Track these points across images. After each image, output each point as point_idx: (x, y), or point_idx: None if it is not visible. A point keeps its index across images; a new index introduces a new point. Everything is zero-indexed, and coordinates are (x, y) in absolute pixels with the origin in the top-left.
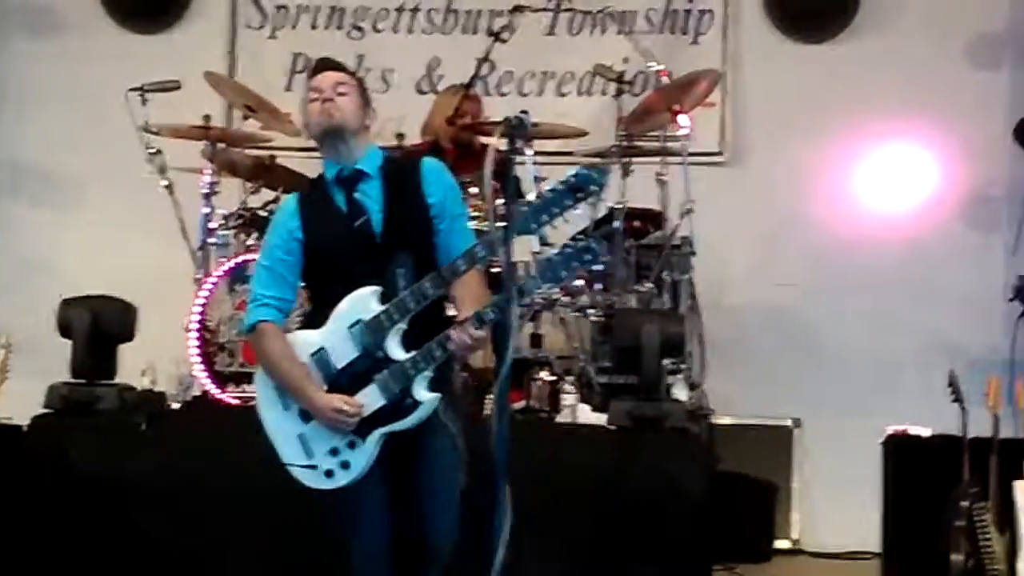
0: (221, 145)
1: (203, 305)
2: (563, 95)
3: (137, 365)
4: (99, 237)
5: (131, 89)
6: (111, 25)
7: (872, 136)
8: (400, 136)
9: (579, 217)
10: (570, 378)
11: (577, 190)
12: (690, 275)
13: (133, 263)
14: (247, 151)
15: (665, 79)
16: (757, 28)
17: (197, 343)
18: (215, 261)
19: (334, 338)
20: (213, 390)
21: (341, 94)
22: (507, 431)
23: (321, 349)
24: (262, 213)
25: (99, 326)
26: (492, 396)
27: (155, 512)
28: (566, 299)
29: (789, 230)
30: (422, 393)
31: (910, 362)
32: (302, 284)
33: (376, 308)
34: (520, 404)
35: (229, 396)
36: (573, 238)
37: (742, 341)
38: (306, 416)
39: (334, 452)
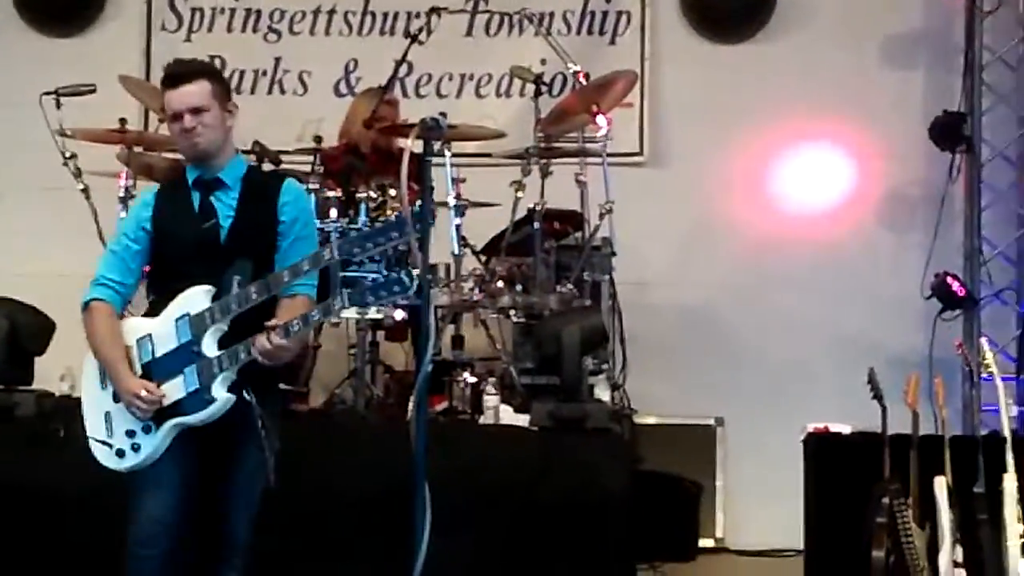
0: (137, 149)
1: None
2: (482, 97)
3: (55, 370)
4: (15, 242)
5: (45, 93)
6: (24, 28)
7: (790, 137)
8: (318, 139)
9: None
10: (492, 379)
11: (390, 230)
12: (611, 275)
13: (50, 267)
14: (163, 155)
15: (583, 80)
16: (674, 29)
17: None
18: None
19: (161, 328)
20: None
21: (198, 113)
22: (426, 433)
23: (147, 336)
24: None
25: (16, 333)
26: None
27: (74, 517)
28: (487, 300)
29: (708, 230)
30: (220, 392)
31: (830, 361)
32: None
33: (206, 306)
34: (443, 406)
35: None
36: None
37: (663, 341)
38: (117, 396)
39: (130, 434)
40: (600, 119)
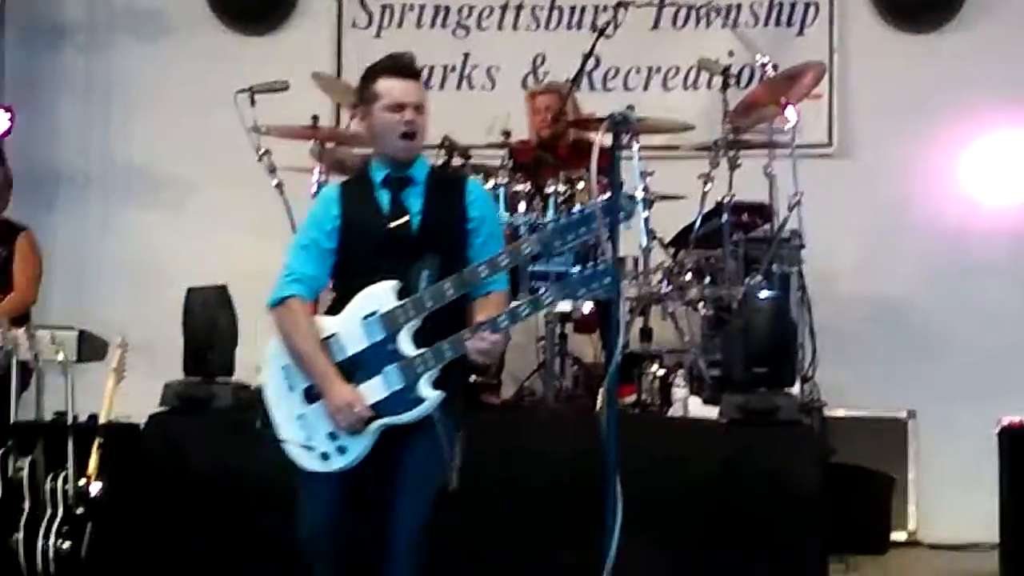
0: (330, 145)
1: (314, 303)
2: (669, 89)
3: (251, 363)
4: (210, 238)
5: (239, 91)
6: (218, 27)
7: (980, 125)
8: (507, 133)
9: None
10: (681, 371)
11: (580, 225)
12: (799, 267)
13: (244, 263)
14: (355, 150)
15: (771, 72)
16: (863, 19)
17: None
18: None
19: (347, 326)
20: None
21: (420, 110)
22: (616, 425)
23: (334, 335)
24: None
25: (215, 325)
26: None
27: (273, 511)
28: (675, 293)
29: (898, 221)
30: (427, 390)
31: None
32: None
33: (393, 302)
34: (631, 398)
35: None
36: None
37: (853, 333)
38: (309, 398)
39: (332, 436)
40: (789, 111)
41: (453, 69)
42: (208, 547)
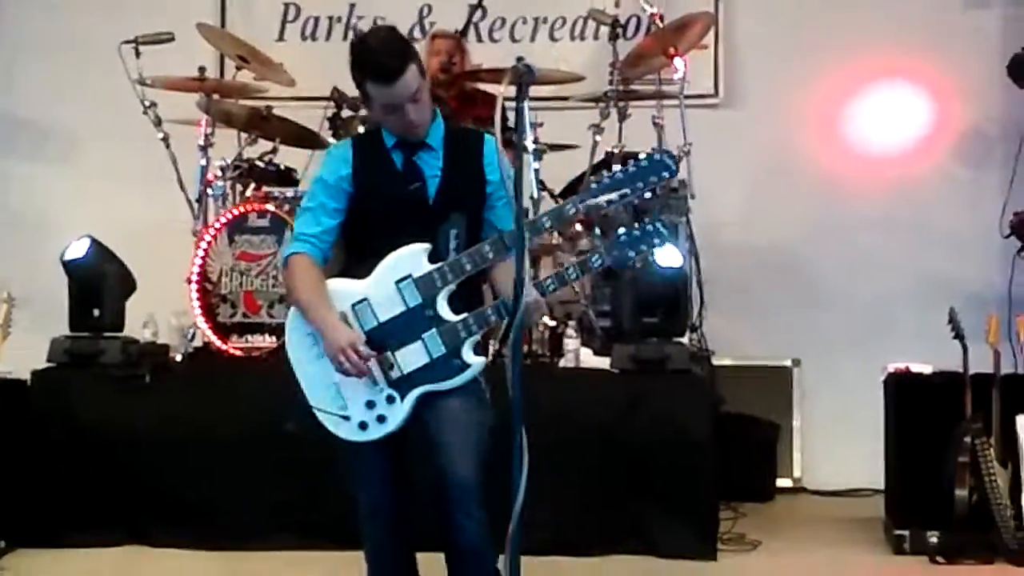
0: (216, 97)
1: (203, 257)
2: (556, 40)
3: (138, 317)
4: (96, 190)
5: (124, 42)
6: None
7: (866, 76)
8: None
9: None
10: (572, 323)
11: (650, 174)
12: (688, 217)
13: (131, 216)
14: (242, 102)
15: (659, 22)
16: None
17: (198, 295)
18: (214, 212)
19: (379, 291)
20: (216, 341)
21: (416, 100)
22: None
23: (364, 300)
24: (259, 164)
25: (104, 281)
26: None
27: (162, 463)
28: (566, 244)
29: (785, 171)
30: (471, 356)
31: (908, 300)
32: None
33: (427, 266)
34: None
35: (232, 347)
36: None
37: (740, 283)
38: None
39: (370, 405)
40: (677, 61)
41: (339, 20)
42: (96, 502)
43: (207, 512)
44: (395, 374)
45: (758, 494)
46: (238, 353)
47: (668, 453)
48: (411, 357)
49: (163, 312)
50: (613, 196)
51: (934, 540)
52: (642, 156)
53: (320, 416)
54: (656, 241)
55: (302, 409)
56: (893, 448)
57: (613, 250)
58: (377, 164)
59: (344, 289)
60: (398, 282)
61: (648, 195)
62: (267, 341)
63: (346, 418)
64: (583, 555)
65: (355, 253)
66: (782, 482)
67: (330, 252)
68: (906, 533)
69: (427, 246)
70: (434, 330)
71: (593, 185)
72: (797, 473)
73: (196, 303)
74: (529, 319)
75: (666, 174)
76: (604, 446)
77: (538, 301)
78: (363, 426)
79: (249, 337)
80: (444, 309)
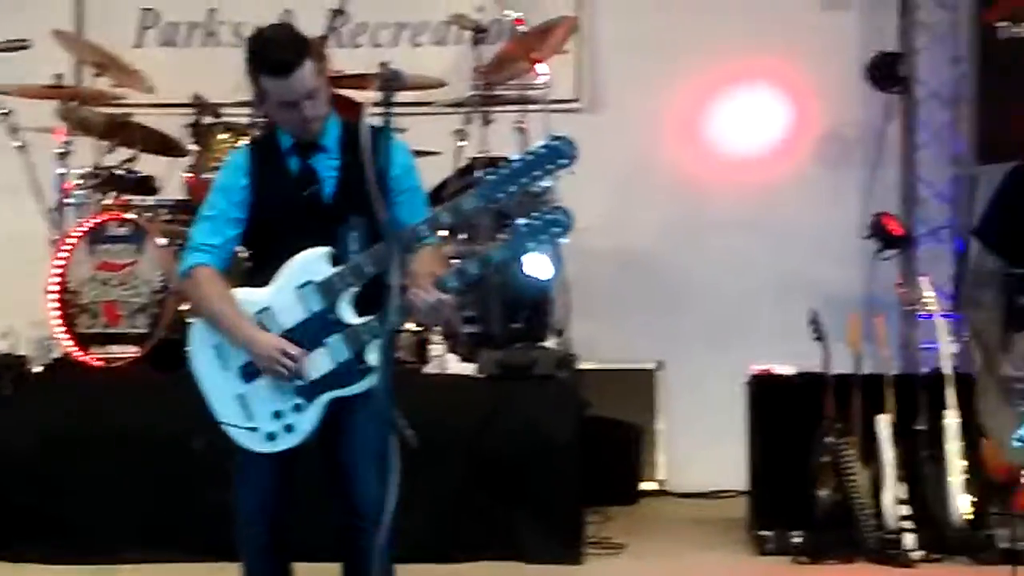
0: (74, 104)
1: (62, 267)
2: (418, 45)
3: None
4: None
5: None
6: None
7: (726, 79)
8: None
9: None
10: (437, 329)
11: (547, 161)
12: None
13: None
14: (100, 109)
15: (521, 27)
16: None
17: (57, 305)
18: (72, 222)
19: (281, 297)
20: (75, 352)
21: (312, 97)
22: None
23: (266, 308)
24: (119, 172)
25: None
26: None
27: (22, 475)
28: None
29: (646, 174)
30: (376, 358)
31: (770, 302)
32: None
33: (328, 270)
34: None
35: (92, 358)
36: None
37: (603, 287)
38: (247, 376)
39: (277, 415)
40: (540, 66)
41: (199, 25)
42: None
43: (70, 526)
44: (301, 381)
45: (623, 497)
46: (99, 364)
47: (534, 458)
48: (317, 363)
49: (22, 323)
50: (512, 187)
51: (797, 540)
52: (539, 143)
53: (228, 431)
54: (558, 230)
55: (209, 425)
56: (756, 449)
57: (512, 242)
58: (273, 170)
59: (246, 298)
60: (299, 287)
61: (546, 183)
62: (129, 351)
63: (253, 430)
64: (449, 562)
65: (257, 260)
66: (647, 485)
67: (230, 261)
68: (769, 534)
69: (328, 250)
70: (338, 334)
71: (489, 177)
72: (662, 476)
73: (55, 313)
74: (436, 318)
75: (564, 160)
76: (470, 452)
77: (442, 300)
78: (271, 437)
79: (110, 347)
80: (347, 312)
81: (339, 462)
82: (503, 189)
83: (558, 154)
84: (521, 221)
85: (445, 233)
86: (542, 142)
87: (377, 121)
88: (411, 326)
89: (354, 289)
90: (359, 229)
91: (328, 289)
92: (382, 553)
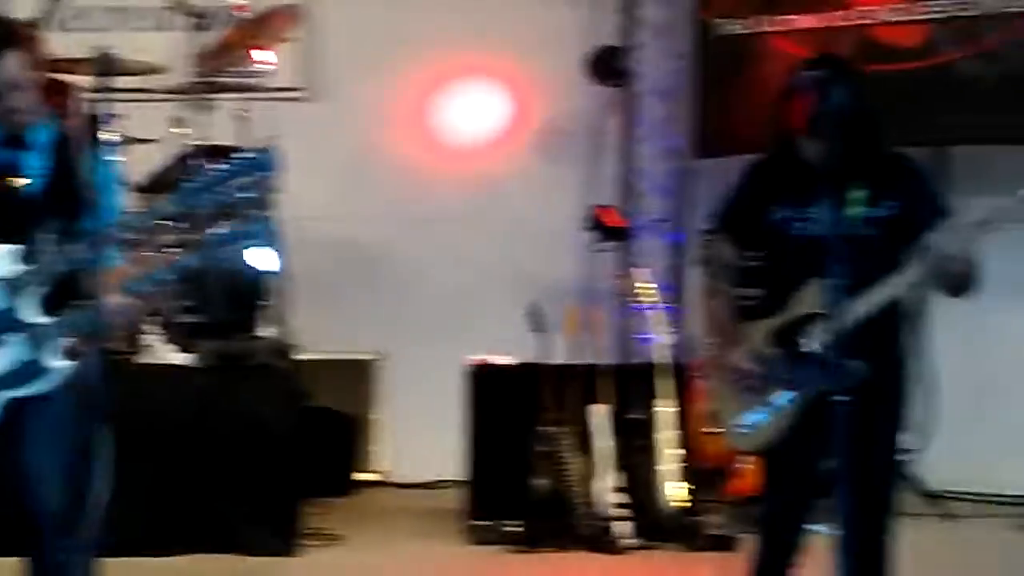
0: None
1: None
2: (138, 31)
3: None
4: None
5: None
6: None
7: (451, 71)
8: None
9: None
10: (153, 318)
11: (247, 171)
12: (274, 211)
13: None
14: None
15: (244, 14)
16: None
17: None
18: None
19: None
20: None
21: (16, 89)
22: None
23: None
24: None
25: None
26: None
27: None
28: (145, 237)
29: (369, 164)
30: (55, 360)
31: (491, 293)
32: None
33: (17, 268)
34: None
35: None
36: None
37: (326, 276)
38: None
39: None
40: (263, 54)
41: None
42: None
43: None
44: None
45: (342, 488)
46: None
47: (250, 449)
48: None
49: None
50: (209, 195)
51: (513, 529)
52: (240, 153)
53: None
54: (249, 241)
55: None
56: (474, 439)
57: (205, 249)
58: None
59: None
60: None
61: (244, 195)
62: None
63: None
64: (164, 554)
65: None
66: (368, 475)
67: None
68: (486, 523)
69: (19, 248)
70: (20, 334)
71: (190, 183)
72: (382, 466)
73: None
74: (119, 321)
75: (263, 172)
76: (185, 443)
77: (126, 303)
78: None
79: None
80: (33, 312)
81: (19, 463)
82: (200, 196)
83: (259, 166)
84: (214, 229)
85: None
86: (244, 153)
87: (91, 108)
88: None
89: (42, 289)
90: (54, 229)
91: (14, 287)
92: (82, 551)
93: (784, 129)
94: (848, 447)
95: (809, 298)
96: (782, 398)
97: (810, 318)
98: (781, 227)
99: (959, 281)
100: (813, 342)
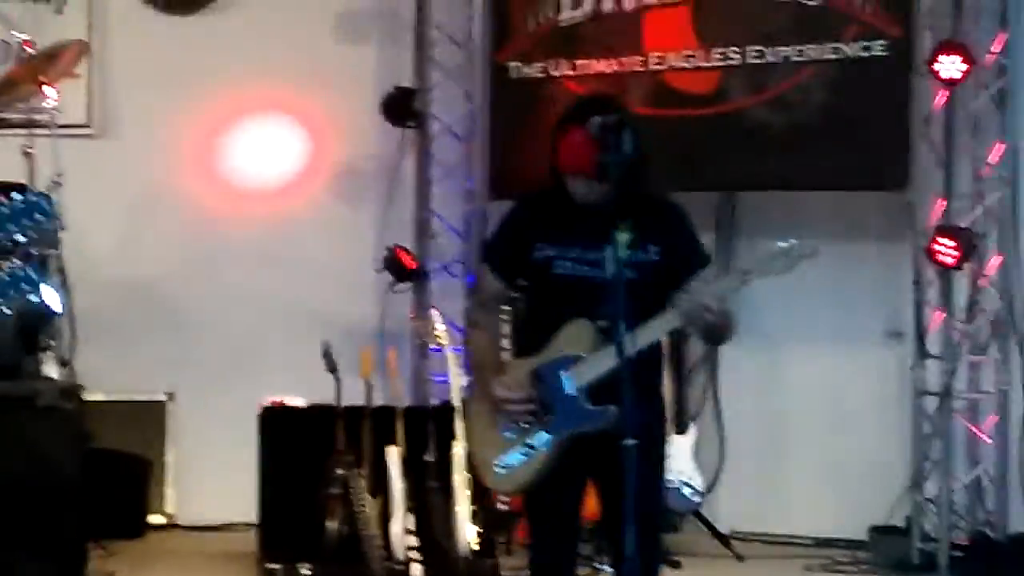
0: None
1: None
2: None
3: None
4: None
5: None
6: None
7: (242, 110)
8: None
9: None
10: None
11: (23, 215)
12: (59, 250)
13: None
14: None
15: (30, 50)
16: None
17: None
18: None
19: None
20: None
21: None
22: None
23: None
24: None
25: None
26: None
27: None
28: None
29: (159, 204)
30: None
31: (285, 334)
32: None
33: None
34: None
35: None
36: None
37: (113, 317)
38: None
39: None
40: (48, 90)
41: None
42: None
43: None
44: None
45: (129, 531)
46: None
47: (35, 492)
48: None
49: None
50: None
51: (305, 572)
52: (15, 197)
53: None
54: (27, 287)
55: None
56: (267, 481)
57: None
58: None
59: None
60: None
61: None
62: None
63: None
64: None
65: None
66: (155, 518)
67: None
68: (278, 566)
69: None
70: None
71: None
72: (171, 509)
73: None
74: None
75: (40, 216)
76: None
77: None
78: None
79: None
80: None
81: None
82: None
83: (36, 209)
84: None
85: None
86: (19, 196)
87: None
88: None
89: None
90: None
91: None
92: None
93: (556, 166)
94: (614, 489)
95: (570, 338)
96: (539, 439)
97: (569, 359)
98: (544, 265)
99: (716, 330)
100: (571, 383)
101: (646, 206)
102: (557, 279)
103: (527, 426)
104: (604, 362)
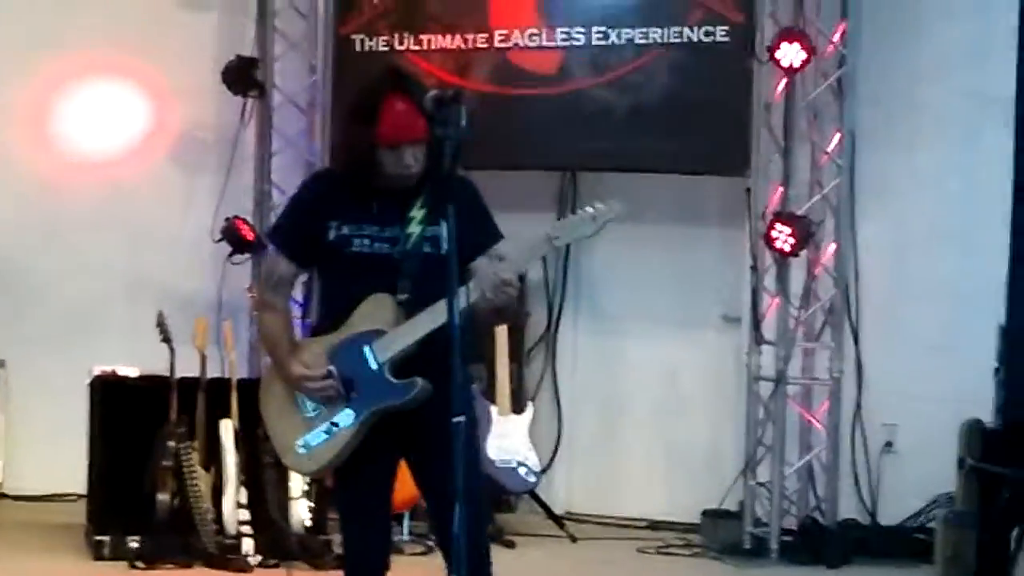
0: None
1: None
2: None
3: None
4: None
5: None
6: None
7: (79, 73)
8: None
9: None
10: None
11: None
12: None
13: None
14: None
15: None
16: None
17: None
18: None
19: None
20: None
21: None
22: None
23: None
24: None
25: None
26: None
27: None
28: None
29: None
30: None
31: (119, 302)
32: None
33: None
34: None
35: None
36: None
37: None
38: None
39: None
40: None
41: None
42: None
43: None
44: None
45: None
46: None
47: None
48: None
49: None
50: None
51: (134, 545)
52: None
53: None
54: None
55: None
56: (97, 452)
57: None
58: None
59: None
60: None
61: None
62: None
63: None
64: None
65: None
66: None
67: None
68: (106, 539)
69: None
70: None
71: None
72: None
73: None
74: None
75: None
76: None
77: None
78: None
79: None
80: None
81: None
82: None
83: None
84: None
85: None
86: None
87: None
88: None
89: None
90: None
91: None
92: None
93: (365, 141)
94: (428, 468)
95: (370, 313)
96: (343, 416)
97: (371, 334)
98: (340, 243)
99: (504, 308)
100: (373, 357)
101: (440, 182)
102: (354, 257)
103: (328, 404)
104: (408, 335)
